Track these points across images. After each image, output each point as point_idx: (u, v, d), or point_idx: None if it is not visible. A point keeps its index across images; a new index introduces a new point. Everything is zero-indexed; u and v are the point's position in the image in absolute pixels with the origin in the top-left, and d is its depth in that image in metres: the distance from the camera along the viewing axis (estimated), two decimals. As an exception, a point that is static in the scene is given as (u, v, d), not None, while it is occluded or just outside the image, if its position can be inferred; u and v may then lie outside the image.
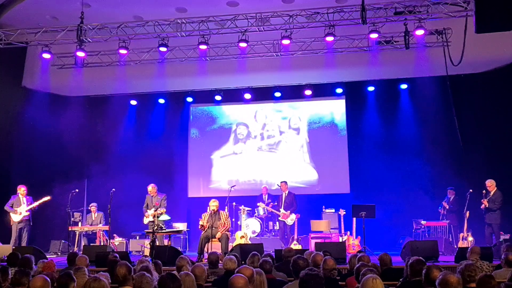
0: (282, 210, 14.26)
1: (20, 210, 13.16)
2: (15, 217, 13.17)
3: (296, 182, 16.08)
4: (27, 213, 13.25)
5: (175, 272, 5.43)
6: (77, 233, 14.16)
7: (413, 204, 14.71)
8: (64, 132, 15.69)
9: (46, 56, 14.07)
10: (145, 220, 13.29)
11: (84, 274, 6.16)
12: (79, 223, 14.58)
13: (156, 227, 11.65)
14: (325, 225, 13.99)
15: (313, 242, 13.04)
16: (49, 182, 14.62)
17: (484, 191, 12.74)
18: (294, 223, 14.08)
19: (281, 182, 14.66)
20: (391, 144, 15.75)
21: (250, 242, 12.88)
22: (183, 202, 16.51)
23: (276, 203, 14.66)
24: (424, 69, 14.74)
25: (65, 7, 13.19)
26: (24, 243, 13.06)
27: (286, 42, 13.43)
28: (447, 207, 14.07)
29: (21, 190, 13.33)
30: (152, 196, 13.34)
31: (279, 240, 14.23)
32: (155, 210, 12.74)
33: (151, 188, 13.41)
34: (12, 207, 13.23)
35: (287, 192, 14.56)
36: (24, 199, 13.31)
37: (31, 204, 13.27)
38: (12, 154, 15.08)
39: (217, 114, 17.62)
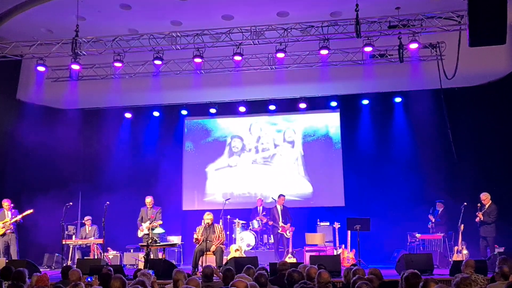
0: (281, 223, 14.20)
1: (2, 223, 13.07)
2: None
3: (290, 195, 16.01)
4: (11, 226, 13.17)
5: (169, 286, 5.41)
6: (71, 246, 14.07)
7: (408, 217, 14.68)
8: (58, 145, 15.65)
9: (41, 69, 14.04)
10: (140, 233, 13.25)
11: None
12: (73, 236, 14.49)
13: (150, 240, 11.61)
14: (319, 238, 13.96)
15: (307, 255, 13.00)
16: (42, 195, 14.50)
17: (478, 204, 12.75)
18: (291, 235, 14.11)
19: (281, 196, 14.61)
20: (385, 157, 15.77)
21: (244, 255, 12.84)
22: (177, 215, 16.44)
23: (268, 216, 14.61)
24: (418, 83, 14.81)
25: (60, 20, 13.22)
26: (14, 257, 12.97)
27: (280, 55, 13.46)
28: (433, 220, 14.10)
29: (5, 204, 13.23)
30: (148, 208, 13.32)
31: (274, 253, 14.18)
32: (151, 223, 12.76)
33: (149, 200, 13.41)
34: None
35: (282, 206, 14.52)
36: (9, 213, 13.22)
37: (16, 217, 13.22)
38: (5, 167, 15.02)
39: (211, 127, 17.62)
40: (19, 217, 13.24)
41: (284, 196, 14.71)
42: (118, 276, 5.67)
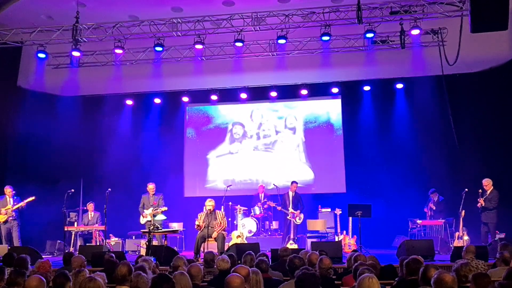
0: (291, 209, 14.16)
1: (4, 210, 13.13)
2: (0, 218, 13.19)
3: (292, 182, 16.06)
4: (13, 213, 13.21)
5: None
6: (73, 233, 14.09)
7: (409, 204, 14.72)
8: (59, 132, 15.63)
9: (41, 55, 14.03)
10: (142, 220, 13.30)
11: (84, 276, 6.06)
12: (75, 223, 14.53)
13: (152, 227, 11.63)
14: (321, 224, 13.99)
15: (309, 241, 13.05)
16: (44, 182, 14.54)
17: (480, 190, 12.74)
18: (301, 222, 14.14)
19: (293, 183, 14.57)
20: (387, 143, 15.76)
21: (246, 242, 12.88)
22: (179, 202, 16.41)
23: (276, 203, 14.59)
24: (420, 69, 14.76)
25: (61, 6, 13.15)
26: (16, 243, 13.03)
27: (282, 41, 13.43)
28: (434, 208, 14.10)
29: (8, 191, 13.30)
30: (150, 195, 13.39)
31: (274, 240, 14.20)
32: (154, 209, 12.89)
33: (152, 186, 13.54)
34: None
35: (294, 192, 14.49)
36: (11, 199, 13.29)
37: (18, 204, 13.26)
38: (6, 154, 15.03)
39: (213, 114, 17.60)
40: (21, 203, 13.29)
41: (296, 182, 14.66)
42: (126, 262, 5.70)
